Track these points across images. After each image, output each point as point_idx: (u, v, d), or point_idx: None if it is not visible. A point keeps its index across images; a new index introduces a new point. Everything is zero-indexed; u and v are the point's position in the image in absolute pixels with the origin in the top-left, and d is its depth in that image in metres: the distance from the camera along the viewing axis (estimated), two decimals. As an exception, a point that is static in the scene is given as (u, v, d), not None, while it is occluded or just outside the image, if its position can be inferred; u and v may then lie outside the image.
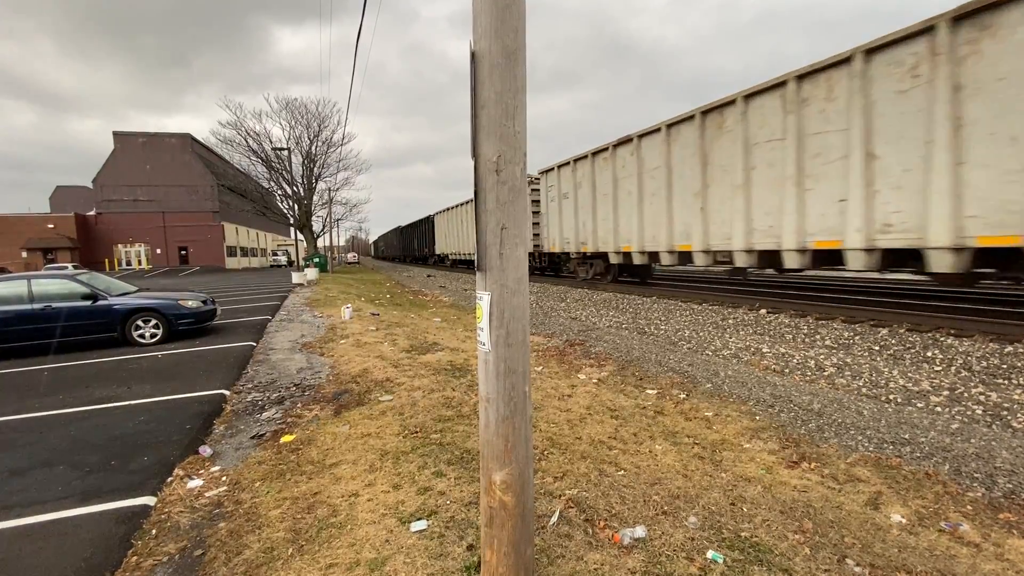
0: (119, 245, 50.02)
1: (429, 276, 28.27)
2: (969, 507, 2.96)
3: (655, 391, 5.30)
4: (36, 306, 8.56)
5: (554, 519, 2.83)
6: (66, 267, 34.18)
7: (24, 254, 44.02)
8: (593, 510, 2.94)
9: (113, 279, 10.76)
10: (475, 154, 1.90)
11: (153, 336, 9.12)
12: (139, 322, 9.07)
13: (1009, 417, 4.33)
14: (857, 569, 2.40)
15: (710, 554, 2.49)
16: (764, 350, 7.04)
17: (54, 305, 8.65)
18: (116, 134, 50.21)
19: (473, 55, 1.85)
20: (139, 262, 50.67)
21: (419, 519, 2.88)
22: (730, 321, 9.20)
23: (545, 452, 3.77)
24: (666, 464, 3.57)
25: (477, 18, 1.84)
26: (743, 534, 2.68)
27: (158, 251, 51.29)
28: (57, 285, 8.96)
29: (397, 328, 9.66)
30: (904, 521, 2.82)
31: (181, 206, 51.37)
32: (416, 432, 4.23)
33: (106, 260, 48.26)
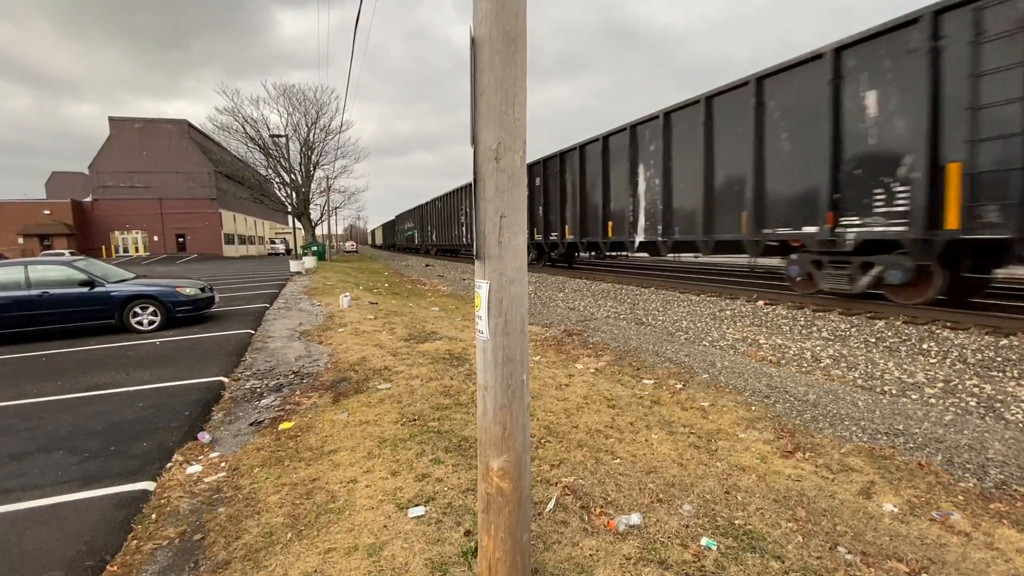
0: (116, 232, 49.80)
1: (427, 265, 28.24)
2: (961, 497, 2.99)
3: (652, 381, 5.33)
4: (33, 292, 8.54)
5: (551, 506, 2.86)
6: (63, 253, 34.04)
7: (20, 240, 43.81)
8: (589, 497, 2.97)
9: (110, 266, 10.73)
10: (474, 141, 1.89)
11: (151, 323, 9.11)
12: (137, 309, 9.06)
13: (1002, 409, 4.36)
14: (848, 556, 2.43)
15: (704, 541, 2.52)
16: (761, 341, 7.07)
17: (51, 291, 8.64)
18: (112, 119, 49.77)
19: (473, 41, 1.83)
20: (136, 249, 50.49)
21: (417, 505, 2.91)
22: (727, 312, 9.22)
23: (542, 440, 3.80)
24: (662, 453, 3.60)
25: (477, 3, 1.82)
26: (737, 522, 2.72)
27: (155, 238, 51.08)
28: (54, 271, 8.94)
29: (395, 317, 9.67)
30: (896, 510, 2.86)
31: (178, 193, 51.09)
32: (414, 420, 4.26)
33: (103, 247, 48.08)
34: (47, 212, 45.71)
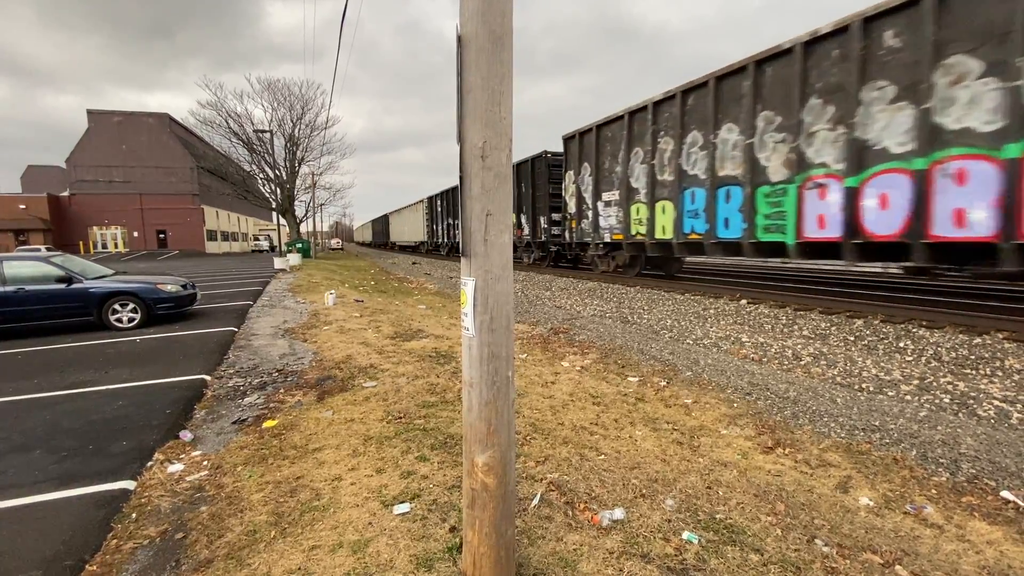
0: (94, 227, 48.65)
1: (414, 263, 28.11)
2: (934, 491, 3.08)
3: (637, 379, 5.39)
4: (8, 289, 8.32)
5: (535, 501, 2.88)
6: (39, 249, 33.20)
7: (-6, 235, 42.64)
8: (574, 493, 3.00)
9: (89, 262, 10.50)
10: (460, 139, 1.90)
11: (131, 320, 8.94)
12: (116, 306, 8.88)
13: (975, 406, 4.49)
14: (825, 549, 2.49)
15: (686, 535, 2.57)
16: (743, 339, 7.18)
17: (27, 288, 8.42)
18: (90, 112, 48.55)
19: (459, 39, 1.84)
20: (115, 245, 49.40)
21: (402, 502, 2.91)
22: (711, 311, 9.34)
23: (528, 437, 3.82)
24: (645, 449, 3.64)
25: (464, 1, 1.83)
26: (718, 516, 2.77)
27: (135, 234, 50.01)
28: (30, 267, 8.70)
29: (381, 315, 9.62)
30: (872, 504, 2.93)
31: (159, 188, 50.05)
32: (400, 418, 4.25)
33: (80, 243, 46.97)
34: (22, 207, 44.47)
